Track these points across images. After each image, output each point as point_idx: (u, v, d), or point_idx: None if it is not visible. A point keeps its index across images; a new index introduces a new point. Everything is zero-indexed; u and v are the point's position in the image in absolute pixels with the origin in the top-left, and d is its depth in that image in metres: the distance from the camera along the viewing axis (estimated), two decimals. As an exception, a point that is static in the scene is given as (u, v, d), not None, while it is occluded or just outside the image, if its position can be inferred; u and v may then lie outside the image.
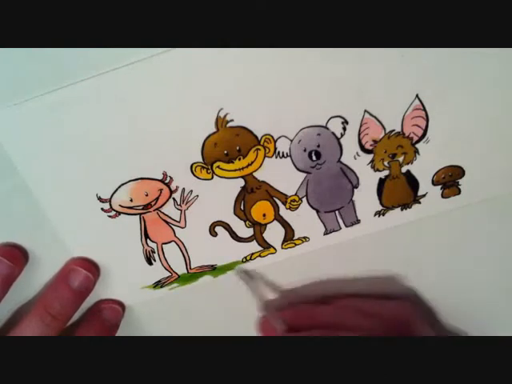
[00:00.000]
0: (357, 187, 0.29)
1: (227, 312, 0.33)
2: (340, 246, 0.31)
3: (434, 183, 0.29)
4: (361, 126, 0.27)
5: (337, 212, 0.30)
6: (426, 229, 0.31)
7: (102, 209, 0.28)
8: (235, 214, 0.29)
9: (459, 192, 0.30)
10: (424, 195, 0.30)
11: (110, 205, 0.27)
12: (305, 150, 0.27)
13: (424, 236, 0.31)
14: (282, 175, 0.28)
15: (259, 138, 0.27)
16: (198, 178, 0.27)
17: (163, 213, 0.28)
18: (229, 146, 0.27)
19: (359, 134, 0.27)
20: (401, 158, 0.28)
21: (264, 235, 0.30)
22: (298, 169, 0.28)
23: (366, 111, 0.27)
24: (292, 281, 0.33)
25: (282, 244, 0.30)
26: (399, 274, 0.33)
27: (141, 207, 0.28)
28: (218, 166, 0.27)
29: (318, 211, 0.30)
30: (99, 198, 0.27)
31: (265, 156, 0.27)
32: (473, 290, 0.34)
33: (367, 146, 0.28)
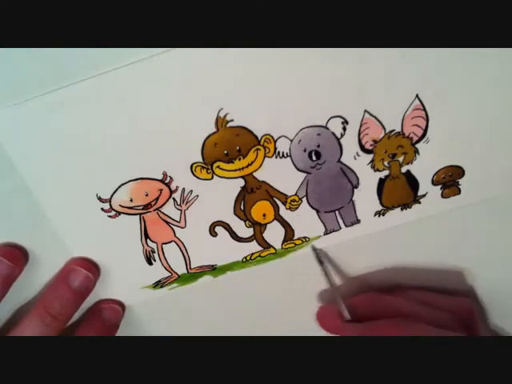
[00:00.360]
0: (357, 187, 0.29)
1: (227, 312, 0.33)
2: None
3: (434, 183, 0.29)
4: (361, 125, 0.27)
5: (337, 212, 0.30)
6: (426, 229, 0.31)
7: (102, 209, 0.28)
8: (235, 213, 0.29)
9: (459, 192, 0.30)
10: (424, 195, 0.30)
11: (110, 205, 0.27)
12: (305, 150, 0.27)
13: (424, 236, 0.31)
14: (282, 175, 0.28)
15: (259, 138, 0.27)
16: (198, 178, 0.27)
17: (163, 213, 0.28)
18: (229, 145, 0.27)
19: (359, 134, 0.27)
20: (401, 158, 0.28)
21: (264, 235, 0.30)
22: (298, 169, 0.28)
23: (365, 111, 0.27)
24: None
25: (282, 244, 0.31)
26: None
27: (141, 207, 0.28)
28: (218, 166, 0.27)
29: (318, 211, 0.30)
30: (99, 198, 0.27)
31: (265, 156, 0.27)
32: (472, 291, 0.34)
33: (367, 146, 0.28)
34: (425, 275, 0.33)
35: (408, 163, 0.29)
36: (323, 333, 0.32)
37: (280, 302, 0.33)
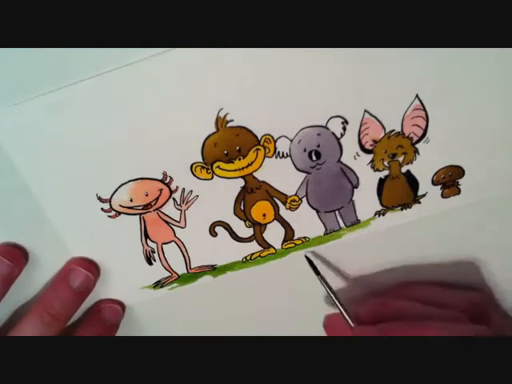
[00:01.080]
0: (357, 187, 0.29)
1: (227, 312, 0.33)
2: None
3: (434, 183, 0.29)
4: (361, 125, 0.27)
5: (337, 212, 0.30)
6: (426, 229, 0.31)
7: (102, 209, 0.28)
8: (235, 214, 0.29)
9: (459, 192, 0.30)
10: (424, 195, 0.30)
11: (110, 205, 0.27)
12: (305, 150, 0.27)
13: (424, 236, 0.31)
14: (282, 175, 0.28)
15: (259, 138, 0.27)
16: (198, 178, 0.27)
17: (163, 213, 0.28)
18: (229, 146, 0.27)
19: (359, 134, 0.27)
20: (401, 158, 0.28)
21: (264, 235, 0.30)
22: (297, 169, 0.28)
23: (365, 111, 0.27)
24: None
25: (282, 244, 0.31)
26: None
27: (141, 207, 0.28)
28: (218, 166, 0.27)
29: (317, 211, 0.30)
30: (99, 198, 0.27)
31: (265, 156, 0.27)
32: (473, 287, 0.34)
33: (367, 146, 0.28)
34: (428, 273, 0.33)
35: (408, 163, 0.29)
36: (324, 333, 0.32)
37: (280, 302, 0.33)
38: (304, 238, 0.30)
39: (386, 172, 0.29)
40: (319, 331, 0.32)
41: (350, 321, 0.29)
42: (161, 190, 0.28)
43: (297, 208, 0.29)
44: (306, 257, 0.31)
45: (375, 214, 0.30)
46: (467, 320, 0.29)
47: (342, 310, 0.30)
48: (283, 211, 0.29)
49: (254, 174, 0.28)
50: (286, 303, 0.33)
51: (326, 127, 0.27)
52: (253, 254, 0.31)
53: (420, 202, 0.30)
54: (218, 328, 0.33)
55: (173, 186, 0.28)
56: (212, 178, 0.27)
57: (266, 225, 0.30)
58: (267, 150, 0.27)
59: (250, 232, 0.30)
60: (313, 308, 0.33)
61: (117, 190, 0.27)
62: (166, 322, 0.33)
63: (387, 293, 0.32)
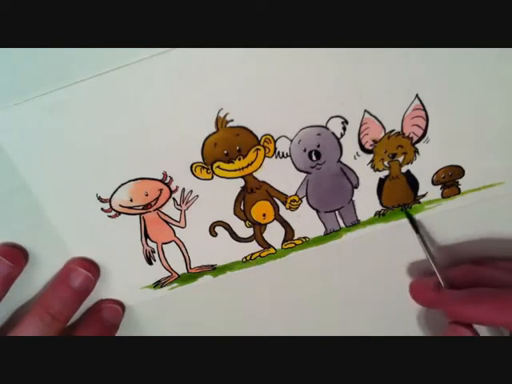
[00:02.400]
0: (357, 187, 0.29)
1: (227, 312, 0.33)
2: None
3: (434, 183, 0.29)
4: (361, 125, 0.27)
5: (337, 212, 0.30)
6: (427, 229, 0.31)
7: (102, 209, 0.28)
8: (235, 214, 0.29)
9: (459, 192, 0.30)
10: (424, 195, 0.30)
11: (110, 205, 0.27)
12: (305, 150, 0.27)
13: (424, 236, 0.31)
14: (282, 175, 0.28)
15: (259, 138, 0.27)
16: (198, 178, 0.27)
17: (163, 213, 0.28)
18: (229, 146, 0.27)
19: (359, 134, 0.27)
20: (401, 158, 0.28)
21: (264, 235, 0.30)
22: (298, 169, 0.28)
23: (365, 111, 0.27)
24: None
25: (282, 244, 0.31)
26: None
27: (141, 207, 0.28)
28: (218, 166, 0.27)
29: (318, 211, 0.30)
30: (99, 198, 0.27)
31: (265, 156, 0.27)
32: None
33: (367, 146, 0.28)
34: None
35: (408, 163, 0.29)
36: (323, 333, 0.32)
37: (280, 302, 0.33)
38: (304, 237, 0.30)
39: (386, 172, 0.29)
40: (319, 331, 0.32)
41: (441, 280, 0.29)
42: (161, 189, 0.28)
43: (297, 208, 0.29)
44: (407, 212, 0.30)
45: (375, 214, 0.30)
46: None
47: (436, 269, 0.30)
48: (283, 211, 0.29)
49: (254, 174, 0.28)
50: (285, 303, 0.33)
51: (325, 127, 0.27)
52: (253, 253, 0.31)
53: (420, 202, 0.30)
54: (217, 328, 0.33)
55: (173, 186, 0.28)
56: (212, 178, 0.27)
57: (265, 225, 0.30)
58: (267, 150, 0.27)
59: (250, 232, 0.30)
60: (313, 308, 0.33)
61: (117, 189, 0.27)
62: (165, 322, 0.33)
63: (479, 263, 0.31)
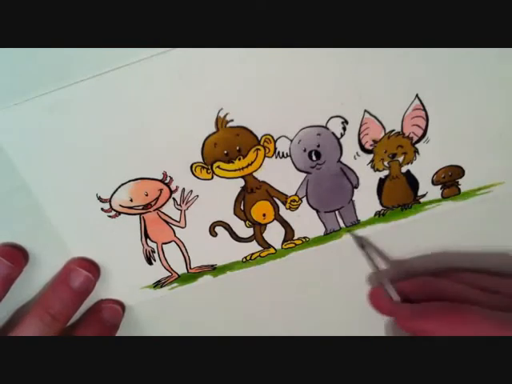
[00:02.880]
0: (357, 187, 0.29)
1: (227, 312, 0.33)
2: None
3: (434, 183, 0.29)
4: (361, 125, 0.27)
5: (337, 212, 0.30)
6: (426, 229, 0.31)
7: (102, 209, 0.28)
8: (235, 214, 0.29)
9: (459, 192, 0.30)
10: (424, 195, 0.30)
11: (110, 205, 0.27)
12: (305, 150, 0.27)
13: (424, 236, 0.31)
14: (282, 175, 0.28)
15: (259, 138, 0.27)
16: (198, 178, 0.27)
17: (163, 213, 0.28)
18: (229, 146, 0.27)
19: (359, 134, 0.27)
20: (401, 158, 0.28)
21: (264, 235, 0.30)
22: (298, 169, 0.28)
23: (365, 111, 0.27)
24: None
25: (282, 244, 0.31)
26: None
27: (141, 207, 0.28)
28: (218, 166, 0.27)
29: (318, 211, 0.30)
30: (99, 198, 0.27)
31: (265, 156, 0.27)
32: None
33: (367, 146, 0.28)
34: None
35: (408, 163, 0.29)
36: (323, 333, 0.32)
37: (280, 302, 0.33)
38: (304, 238, 0.30)
39: (386, 172, 0.29)
40: (319, 331, 0.32)
41: (394, 294, 0.29)
42: (161, 189, 0.28)
43: (297, 208, 0.29)
44: (353, 234, 0.30)
45: (375, 214, 0.30)
46: (503, 310, 0.27)
47: (388, 282, 0.29)
48: (283, 211, 0.29)
49: (254, 174, 0.28)
50: (285, 303, 0.33)
51: (325, 127, 0.27)
52: (253, 254, 0.31)
53: (420, 202, 0.30)
54: (217, 328, 0.33)
55: (173, 186, 0.28)
56: (212, 178, 0.27)
57: (265, 225, 0.30)
58: (267, 150, 0.27)
59: (250, 232, 0.30)
60: (313, 308, 0.33)
61: (117, 189, 0.27)
62: (165, 322, 0.33)
63: (434, 275, 0.31)
